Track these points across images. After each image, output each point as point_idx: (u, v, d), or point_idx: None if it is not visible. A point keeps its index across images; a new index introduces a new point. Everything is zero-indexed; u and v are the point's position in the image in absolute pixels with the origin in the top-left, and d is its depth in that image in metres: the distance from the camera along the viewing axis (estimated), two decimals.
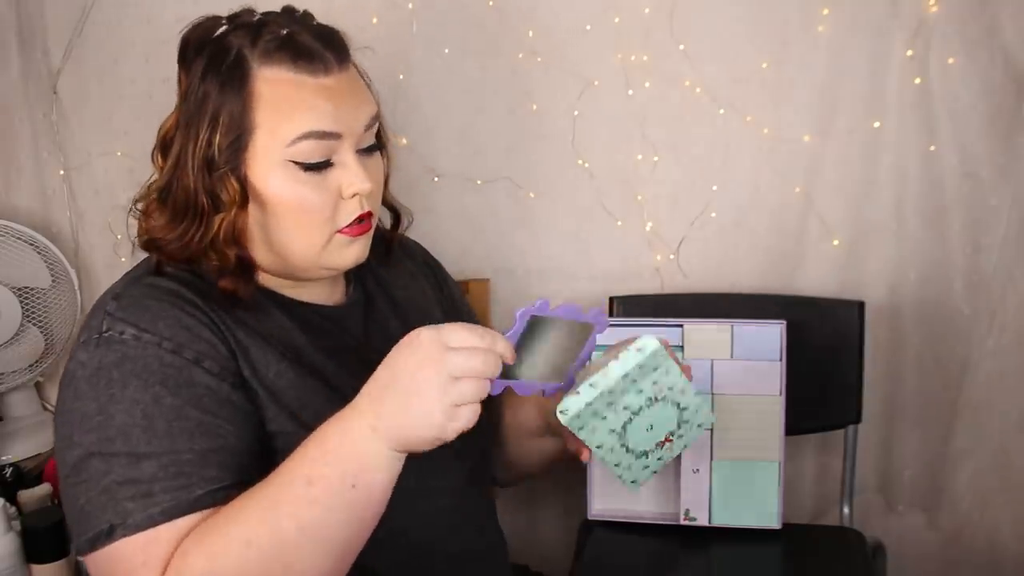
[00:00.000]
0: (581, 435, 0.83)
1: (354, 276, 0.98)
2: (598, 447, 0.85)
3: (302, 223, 0.82)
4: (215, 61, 0.81)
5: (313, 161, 0.81)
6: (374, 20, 1.41)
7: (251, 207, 0.82)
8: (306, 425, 0.80)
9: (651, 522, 1.31)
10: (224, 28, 0.83)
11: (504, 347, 0.72)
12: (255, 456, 0.79)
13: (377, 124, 0.88)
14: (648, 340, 0.80)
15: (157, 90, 1.44)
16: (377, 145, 0.89)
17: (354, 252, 0.87)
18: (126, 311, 0.78)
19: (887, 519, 1.52)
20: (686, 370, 0.88)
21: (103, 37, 1.45)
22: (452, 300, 1.10)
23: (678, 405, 0.86)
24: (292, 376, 0.83)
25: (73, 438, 0.75)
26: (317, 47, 0.81)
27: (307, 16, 0.86)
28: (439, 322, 1.02)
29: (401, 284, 1.03)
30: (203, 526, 0.73)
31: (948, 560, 1.51)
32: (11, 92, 1.49)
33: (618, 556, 1.29)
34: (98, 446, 0.74)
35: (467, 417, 0.70)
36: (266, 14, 0.85)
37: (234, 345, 0.80)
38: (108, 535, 0.73)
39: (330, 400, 0.83)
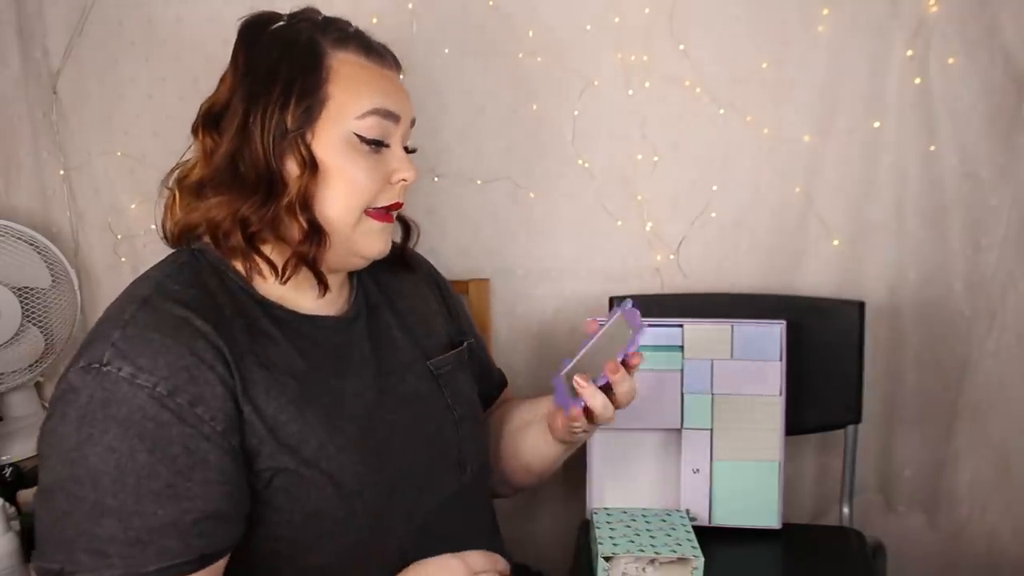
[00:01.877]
0: None
1: (357, 285, 0.98)
2: None
3: (347, 195, 0.85)
4: (287, 41, 0.85)
5: (374, 137, 0.86)
6: (374, 20, 1.41)
7: (315, 179, 0.84)
8: (306, 462, 0.80)
9: None
10: (286, 21, 0.88)
11: (504, 566, 0.89)
12: (223, 519, 0.77)
13: (412, 129, 0.94)
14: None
15: (157, 90, 1.44)
16: (411, 150, 0.93)
17: (380, 243, 0.90)
18: (129, 343, 0.76)
19: (887, 519, 1.52)
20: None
21: (103, 37, 1.45)
22: (454, 313, 1.11)
23: None
24: (293, 410, 0.82)
25: (48, 461, 0.76)
26: (381, 47, 0.90)
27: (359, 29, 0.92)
28: (441, 331, 1.05)
29: (405, 293, 1.03)
30: None
31: (948, 560, 1.51)
32: (11, 92, 1.49)
33: None
34: (68, 482, 0.74)
35: None
36: (329, 17, 0.91)
37: (237, 380, 0.79)
38: (57, 575, 0.74)
39: (330, 434, 0.83)
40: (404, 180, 0.89)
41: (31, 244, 1.43)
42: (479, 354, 1.13)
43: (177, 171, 0.89)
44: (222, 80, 0.88)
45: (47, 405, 0.82)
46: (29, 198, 1.53)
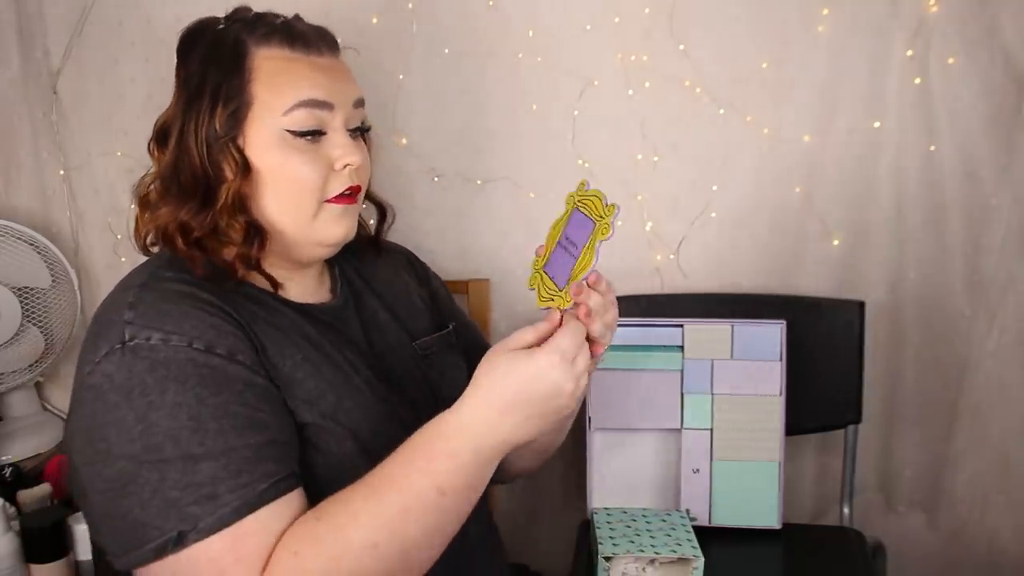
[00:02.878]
0: None
1: (339, 274, 0.99)
2: None
3: (294, 192, 0.85)
4: (214, 47, 0.85)
5: (306, 129, 0.84)
6: (374, 20, 1.41)
7: (249, 181, 0.85)
8: (325, 415, 0.82)
9: None
10: (222, 25, 0.88)
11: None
12: (295, 445, 0.80)
13: (364, 109, 0.91)
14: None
15: (157, 90, 1.44)
16: (364, 129, 0.92)
17: (344, 226, 0.88)
18: (146, 317, 0.77)
19: (887, 519, 1.52)
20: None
21: (103, 37, 1.45)
22: (434, 294, 1.10)
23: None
24: (309, 367, 0.83)
25: (112, 451, 0.74)
26: (311, 33, 0.88)
27: (298, 17, 0.91)
28: (424, 315, 1.03)
29: (384, 278, 1.04)
30: (310, 528, 0.74)
31: (948, 560, 1.51)
32: (11, 92, 1.49)
33: None
34: (146, 455, 0.73)
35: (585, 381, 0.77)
36: (257, 12, 0.90)
37: (254, 339, 0.81)
38: (178, 542, 0.72)
39: (346, 390, 0.84)
40: (349, 165, 0.87)
41: (31, 244, 1.43)
42: (470, 337, 1.11)
43: (138, 185, 0.91)
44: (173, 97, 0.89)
45: (68, 413, 0.80)
46: (29, 198, 1.53)
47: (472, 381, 0.77)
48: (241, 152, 0.84)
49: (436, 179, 1.47)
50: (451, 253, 1.49)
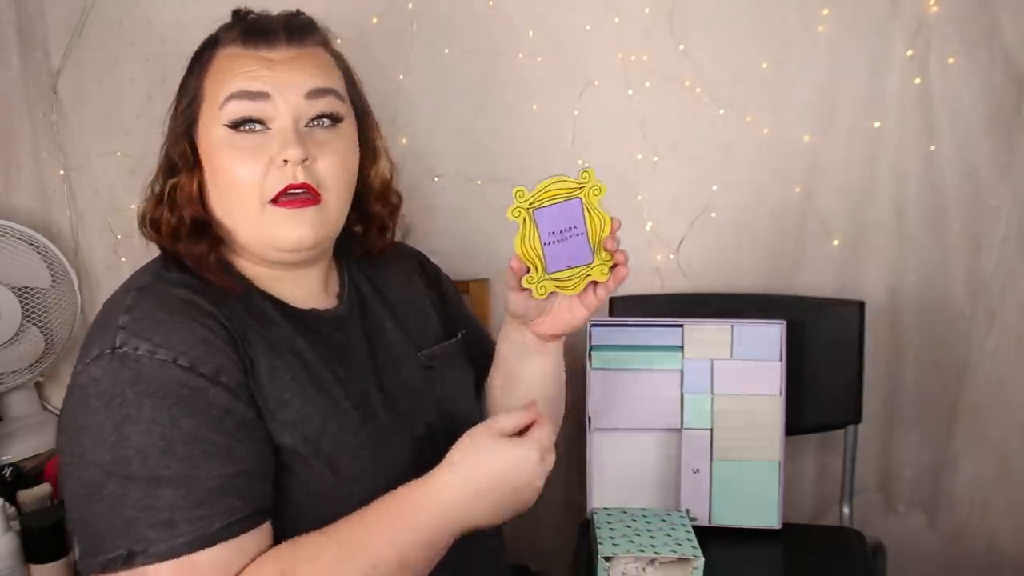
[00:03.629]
0: None
1: (347, 279, 0.97)
2: None
3: (234, 189, 0.83)
4: (198, 50, 0.89)
5: (235, 120, 0.83)
6: (374, 20, 1.41)
7: (203, 180, 0.86)
8: (306, 439, 0.80)
9: None
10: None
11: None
12: (267, 478, 0.78)
13: (333, 99, 0.87)
14: None
15: (157, 90, 1.44)
16: (335, 119, 0.86)
17: (293, 231, 0.83)
18: (139, 324, 0.76)
19: (887, 519, 1.52)
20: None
21: (103, 37, 1.45)
22: (444, 297, 1.09)
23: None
24: (297, 388, 0.82)
25: (85, 456, 0.74)
26: (270, 26, 0.86)
27: (289, 11, 0.90)
28: (435, 322, 1.03)
29: (395, 285, 1.02)
30: (268, 573, 0.74)
31: (948, 560, 1.51)
32: (11, 92, 1.49)
33: None
34: (114, 467, 0.72)
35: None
36: (257, 13, 0.90)
37: (246, 359, 0.79)
38: (126, 561, 0.72)
39: (333, 414, 0.83)
40: (286, 160, 0.81)
41: (31, 244, 1.43)
42: (480, 346, 1.09)
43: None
44: None
45: (60, 409, 0.79)
46: (29, 198, 1.53)
47: (451, 457, 0.79)
48: (193, 147, 0.85)
49: (436, 179, 1.47)
50: (451, 253, 1.48)
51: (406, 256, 1.08)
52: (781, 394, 1.27)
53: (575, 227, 0.86)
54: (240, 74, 0.83)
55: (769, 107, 1.37)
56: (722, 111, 1.38)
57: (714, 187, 1.42)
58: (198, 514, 0.72)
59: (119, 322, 0.76)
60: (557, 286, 0.88)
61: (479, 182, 1.47)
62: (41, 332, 1.44)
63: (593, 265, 0.87)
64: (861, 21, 1.32)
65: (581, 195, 0.86)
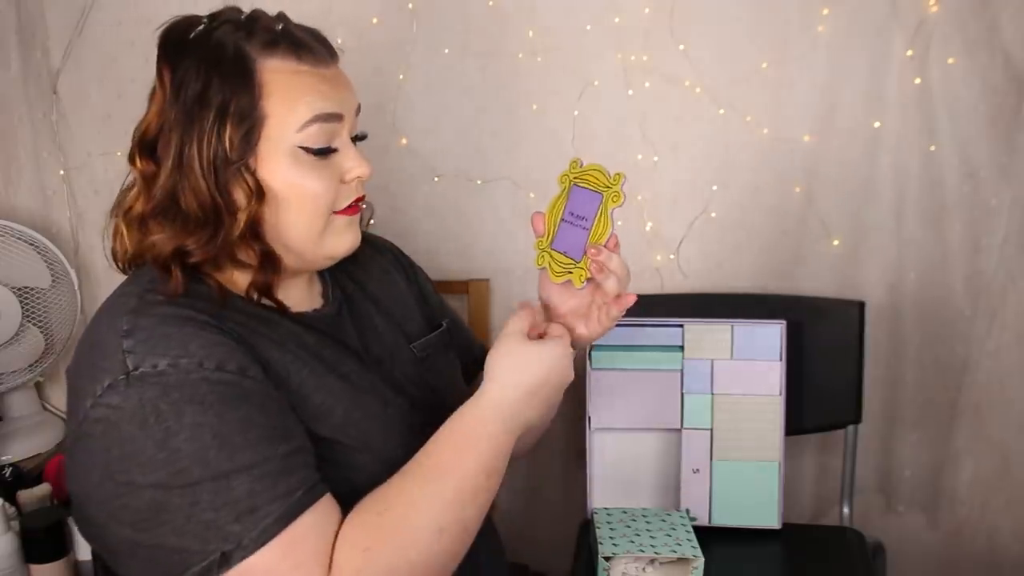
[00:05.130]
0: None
1: (330, 279, 0.97)
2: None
3: (306, 210, 0.82)
4: (212, 56, 0.79)
5: (321, 146, 0.82)
6: (374, 20, 1.41)
7: (262, 204, 0.81)
8: (335, 429, 0.81)
9: None
10: (207, 25, 0.81)
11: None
12: (313, 455, 0.78)
13: (359, 116, 0.89)
14: None
15: None
16: (361, 137, 0.90)
17: (350, 238, 0.87)
18: (148, 344, 0.73)
19: (887, 519, 1.52)
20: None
21: (103, 37, 1.46)
22: (423, 289, 1.09)
23: None
24: (314, 381, 0.82)
25: (136, 482, 0.71)
26: (312, 41, 0.83)
27: (283, 15, 0.85)
28: (417, 314, 1.02)
29: (376, 279, 1.02)
30: (373, 522, 0.75)
31: (948, 560, 1.51)
32: (11, 92, 1.49)
33: None
34: (172, 480, 0.70)
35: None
36: (249, 13, 0.84)
37: (259, 357, 0.79)
38: (223, 563, 0.70)
39: (354, 402, 0.83)
40: (359, 177, 0.85)
41: (31, 244, 1.43)
42: (461, 336, 1.11)
43: (121, 199, 0.86)
44: (151, 99, 0.83)
45: (71, 457, 0.76)
46: (29, 198, 1.53)
47: (491, 368, 0.83)
48: (255, 176, 0.79)
49: (436, 179, 1.47)
50: (451, 253, 1.49)
51: (381, 250, 1.08)
52: (781, 394, 1.27)
53: (587, 220, 0.86)
54: (315, 94, 0.81)
55: (769, 107, 1.37)
56: (722, 111, 1.38)
57: (714, 187, 1.42)
58: (276, 492, 0.72)
59: (124, 347, 0.73)
60: (550, 265, 0.88)
61: (479, 182, 1.47)
62: (41, 332, 1.44)
63: (576, 265, 0.86)
64: (861, 21, 1.32)
65: (605, 193, 0.85)
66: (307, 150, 0.81)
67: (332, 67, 0.85)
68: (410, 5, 1.40)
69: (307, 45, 0.82)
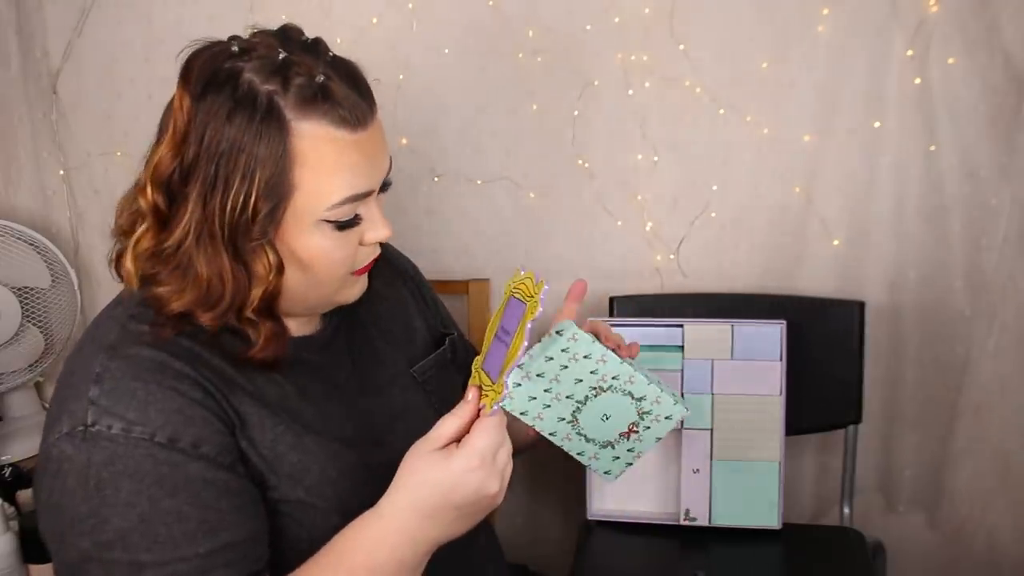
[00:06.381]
0: (526, 420, 0.83)
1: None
2: (551, 434, 0.86)
3: (323, 274, 0.80)
4: (244, 106, 0.72)
5: (347, 219, 0.78)
6: (374, 20, 1.41)
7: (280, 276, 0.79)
8: (310, 490, 0.79)
9: (651, 522, 1.31)
10: (239, 60, 0.73)
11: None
12: (259, 540, 0.76)
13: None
14: (565, 323, 0.81)
15: (157, 90, 1.44)
16: (388, 183, 0.84)
17: (360, 288, 0.86)
18: (111, 398, 0.71)
19: (887, 519, 1.52)
20: (628, 349, 0.90)
21: (103, 37, 1.46)
22: (431, 305, 1.07)
23: (631, 395, 0.86)
24: (291, 439, 0.79)
25: (66, 538, 0.72)
26: (353, 97, 0.76)
27: (322, 48, 0.78)
28: (423, 330, 1.00)
29: (381, 295, 0.98)
30: None
31: (948, 560, 1.51)
32: (11, 92, 1.49)
33: (618, 556, 1.29)
34: (95, 551, 0.71)
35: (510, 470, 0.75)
36: (285, 45, 0.75)
37: (232, 416, 0.76)
38: None
39: (330, 459, 0.81)
40: (380, 240, 0.82)
41: (31, 244, 1.43)
42: (462, 344, 1.09)
43: (124, 216, 0.80)
44: (167, 121, 0.76)
45: (35, 478, 0.76)
46: (29, 198, 1.54)
47: (395, 481, 0.74)
48: (275, 250, 0.76)
49: (436, 179, 1.47)
50: (451, 253, 1.49)
51: (388, 261, 1.04)
52: (781, 394, 1.27)
53: (509, 336, 0.74)
54: (348, 170, 0.75)
55: (769, 107, 1.37)
56: (722, 111, 1.38)
57: (714, 187, 1.42)
58: None
59: (90, 394, 0.72)
60: (482, 387, 0.76)
61: (479, 182, 1.47)
62: (41, 332, 1.44)
63: (491, 387, 0.74)
64: (861, 21, 1.32)
65: (528, 304, 0.73)
66: (332, 223, 0.77)
67: (370, 127, 0.77)
68: (410, 5, 1.40)
69: (348, 106, 0.75)
